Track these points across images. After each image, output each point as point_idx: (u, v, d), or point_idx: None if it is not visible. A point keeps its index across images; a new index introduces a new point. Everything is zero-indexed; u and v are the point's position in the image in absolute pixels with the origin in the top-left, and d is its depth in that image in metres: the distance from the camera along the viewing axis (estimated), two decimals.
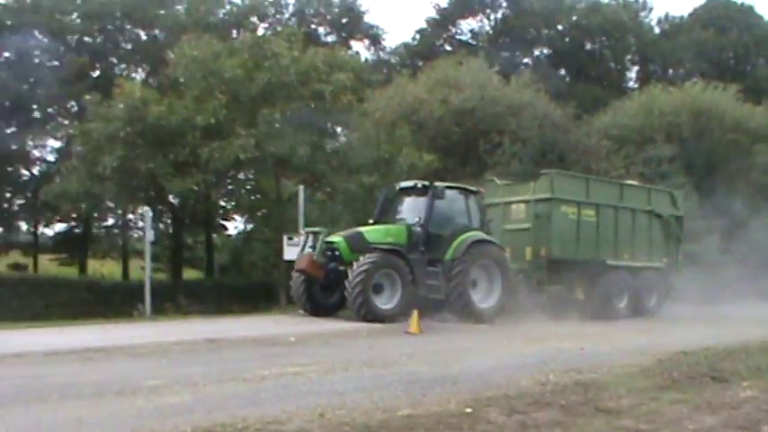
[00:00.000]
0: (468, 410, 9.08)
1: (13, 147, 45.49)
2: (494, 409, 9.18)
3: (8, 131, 45.08)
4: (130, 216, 39.78)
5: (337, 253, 20.14)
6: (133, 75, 46.09)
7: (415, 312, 17.92)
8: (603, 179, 27.23)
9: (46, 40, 44.71)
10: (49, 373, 11.57)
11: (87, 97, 29.97)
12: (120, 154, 27.66)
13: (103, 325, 17.86)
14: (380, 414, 8.82)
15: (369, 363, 12.64)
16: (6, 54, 43.87)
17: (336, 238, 20.45)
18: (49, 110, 45.85)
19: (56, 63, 45.46)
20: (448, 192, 21.42)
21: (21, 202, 48.34)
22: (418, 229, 20.62)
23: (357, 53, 46.96)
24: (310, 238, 20.73)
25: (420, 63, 51.21)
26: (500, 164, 31.49)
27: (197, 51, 28.79)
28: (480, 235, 21.22)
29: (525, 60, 61.43)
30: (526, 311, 21.47)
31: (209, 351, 14.36)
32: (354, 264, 19.17)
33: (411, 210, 21.52)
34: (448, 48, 59.16)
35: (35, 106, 45.04)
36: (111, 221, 44.24)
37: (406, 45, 60.78)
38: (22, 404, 9.24)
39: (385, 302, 19.39)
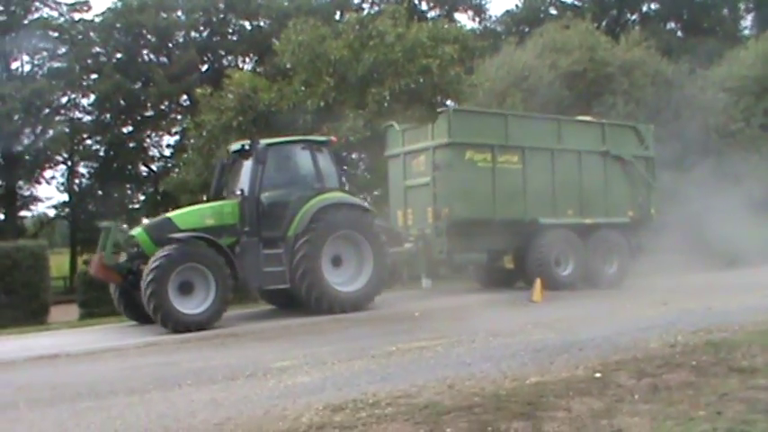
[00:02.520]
0: (598, 375, 8.99)
1: (131, 144, 46.87)
2: (623, 372, 9.06)
3: (125, 130, 46.45)
4: None
5: (141, 248, 16.19)
6: (241, 65, 46.78)
7: (538, 280, 17.87)
8: (532, 114, 22.81)
9: (153, 38, 45.79)
10: (182, 359, 11.92)
11: (198, 90, 30.43)
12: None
13: (230, 311, 18.17)
14: (509, 383, 8.81)
15: (494, 333, 12.63)
16: (118, 55, 45.09)
17: (137, 230, 16.55)
18: (162, 107, 46.94)
19: (165, 60, 46.59)
20: (281, 149, 17.65)
21: (142, 198, 49.73)
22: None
23: (462, 25, 46.57)
24: (118, 235, 16.53)
25: (526, 30, 50.64)
26: None
27: (302, 36, 28.90)
28: (335, 197, 17.36)
29: (633, 17, 60.15)
30: (431, 290, 19.70)
31: (334, 330, 14.57)
32: None
33: (247, 179, 17.26)
34: (553, 11, 58.33)
35: (149, 104, 46.19)
36: None
37: (509, 12, 60.14)
38: (159, 389, 9.55)
39: (196, 305, 15.53)
